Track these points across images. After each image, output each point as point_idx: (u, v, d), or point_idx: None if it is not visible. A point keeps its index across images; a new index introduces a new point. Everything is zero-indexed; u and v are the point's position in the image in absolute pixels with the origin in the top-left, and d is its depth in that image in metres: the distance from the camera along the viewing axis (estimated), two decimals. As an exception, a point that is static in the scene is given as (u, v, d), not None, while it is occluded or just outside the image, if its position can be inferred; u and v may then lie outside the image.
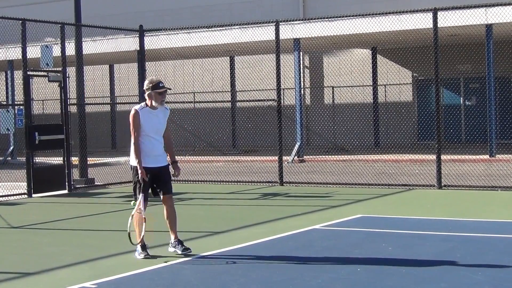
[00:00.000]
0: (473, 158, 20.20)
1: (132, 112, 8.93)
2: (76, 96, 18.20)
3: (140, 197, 8.86)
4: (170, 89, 9.27)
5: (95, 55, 24.46)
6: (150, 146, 8.92)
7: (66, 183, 16.50)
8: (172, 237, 9.06)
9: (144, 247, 8.84)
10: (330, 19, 22.11)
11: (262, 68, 28.49)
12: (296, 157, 23.09)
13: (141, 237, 8.75)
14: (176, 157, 9.30)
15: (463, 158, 20.41)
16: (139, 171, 8.81)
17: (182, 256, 8.84)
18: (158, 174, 8.99)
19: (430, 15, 16.38)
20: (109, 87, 31.46)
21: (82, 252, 9.34)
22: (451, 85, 27.37)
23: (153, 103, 9.00)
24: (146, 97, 9.04)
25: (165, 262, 8.54)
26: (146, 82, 9.11)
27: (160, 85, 9.03)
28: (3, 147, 27.41)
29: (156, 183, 9.04)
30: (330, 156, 23.38)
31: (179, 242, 9.01)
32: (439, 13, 15.86)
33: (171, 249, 9.03)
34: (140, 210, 8.85)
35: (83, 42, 18.52)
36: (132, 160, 8.98)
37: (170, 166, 9.16)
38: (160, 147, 9.07)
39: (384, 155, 22.91)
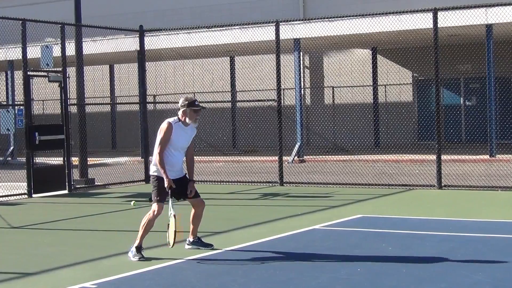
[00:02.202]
0: (473, 158, 20.20)
1: (166, 125, 8.99)
2: (76, 96, 18.21)
3: (171, 203, 8.99)
4: (204, 108, 9.34)
5: (95, 55, 24.46)
6: (173, 160, 9.01)
7: (66, 183, 16.50)
8: (192, 236, 9.29)
9: (139, 249, 8.85)
10: (330, 19, 22.11)
11: (262, 68, 28.49)
12: (296, 157, 23.08)
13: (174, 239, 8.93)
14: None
15: (463, 158, 20.41)
16: (166, 181, 8.85)
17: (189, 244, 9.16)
18: (181, 183, 9.08)
19: (430, 15, 16.39)
20: (109, 87, 31.45)
21: (83, 252, 9.34)
22: (451, 85, 27.37)
23: (187, 120, 9.05)
24: (181, 113, 9.06)
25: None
26: (182, 99, 9.13)
27: (196, 103, 9.07)
28: (3, 147, 27.40)
29: (183, 192, 9.13)
30: (330, 156, 23.37)
31: (200, 240, 9.34)
32: (439, 13, 15.86)
33: (188, 247, 9.24)
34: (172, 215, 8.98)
35: (83, 42, 18.53)
36: (154, 170, 9.05)
37: (190, 184, 9.13)
38: (181, 163, 9.20)
39: (384, 155, 22.91)
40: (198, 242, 9.27)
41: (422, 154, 21.89)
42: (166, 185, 8.85)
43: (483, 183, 15.47)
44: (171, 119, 9.07)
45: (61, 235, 10.99)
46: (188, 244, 9.27)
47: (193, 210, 9.24)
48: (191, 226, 9.25)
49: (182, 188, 9.10)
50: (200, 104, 9.12)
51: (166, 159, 8.94)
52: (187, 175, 9.22)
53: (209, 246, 9.27)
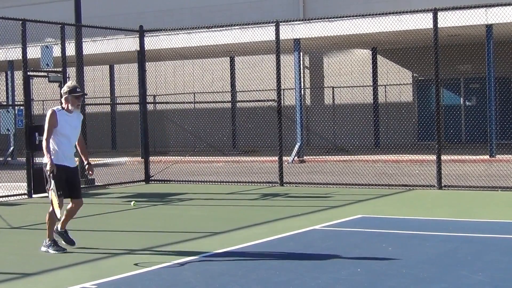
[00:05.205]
0: (473, 159, 20.19)
1: (50, 112, 9.38)
2: (76, 96, 18.16)
3: (51, 194, 9.24)
4: (86, 94, 9.75)
5: (95, 56, 24.46)
6: (64, 148, 9.40)
7: (66, 184, 16.46)
8: (59, 226, 9.55)
9: (55, 242, 9.38)
10: (330, 19, 22.11)
11: (262, 68, 28.49)
12: (296, 157, 23.09)
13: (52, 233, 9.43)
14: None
15: (463, 158, 20.41)
16: (49, 165, 9.21)
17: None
18: (71, 175, 9.45)
19: (430, 15, 16.39)
20: (109, 87, 31.45)
21: (83, 252, 9.33)
22: (451, 85, 27.38)
23: (69, 107, 9.45)
24: (63, 101, 9.46)
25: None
26: (64, 87, 9.55)
27: (77, 90, 9.47)
28: (3, 147, 27.41)
29: (68, 185, 9.47)
30: (330, 157, 23.38)
31: (66, 233, 9.59)
32: (439, 13, 15.86)
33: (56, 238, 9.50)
34: (54, 206, 9.25)
35: (83, 43, 18.51)
36: (45, 158, 9.40)
37: (86, 167, 9.58)
38: (72, 149, 9.55)
39: (384, 156, 22.91)
40: (64, 235, 9.52)
41: (422, 154, 21.89)
42: (48, 168, 9.21)
43: (483, 183, 15.46)
44: (55, 107, 9.47)
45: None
46: (54, 231, 9.52)
47: (71, 205, 9.59)
48: (63, 217, 9.54)
49: (72, 179, 9.46)
50: (81, 90, 9.52)
51: (60, 145, 9.34)
52: (77, 167, 9.65)
53: (71, 243, 9.47)
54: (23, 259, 9.16)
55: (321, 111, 28.63)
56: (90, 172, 9.56)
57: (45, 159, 9.33)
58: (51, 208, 9.29)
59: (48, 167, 9.24)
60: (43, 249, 9.40)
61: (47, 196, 9.39)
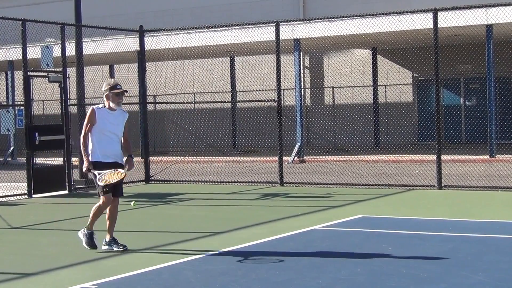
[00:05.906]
0: (473, 159, 20.20)
1: (89, 110, 9.34)
2: (76, 96, 18.20)
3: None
4: (126, 91, 9.58)
5: (95, 56, 24.46)
6: (106, 145, 9.26)
7: (66, 184, 16.49)
8: (108, 236, 9.39)
9: (91, 236, 9.36)
10: (330, 19, 22.11)
11: (262, 68, 28.49)
12: (296, 157, 23.08)
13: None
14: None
15: (463, 158, 20.41)
16: (85, 164, 9.21)
17: (120, 251, 9.25)
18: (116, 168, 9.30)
19: (430, 15, 16.39)
20: (109, 87, 31.40)
21: (83, 252, 9.33)
22: (451, 85, 27.37)
23: (111, 104, 9.34)
24: (105, 99, 9.36)
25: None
26: (104, 85, 9.43)
27: (117, 86, 9.36)
28: (3, 147, 27.41)
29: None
30: (330, 157, 23.38)
31: (114, 241, 9.39)
32: (439, 13, 15.86)
33: (104, 247, 9.36)
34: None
35: (83, 43, 18.51)
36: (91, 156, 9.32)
37: (126, 159, 9.43)
38: (117, 147, 9.40)
39: (384, 156, 22.91)
40: (113, 243, 9.37)
41: (422, 154, 21.89)
42: (84, 165, 9.22)
43: (483, 183, 15.46)
44: (95, 106, 9.41)
45: (61, 235, 10.98)
46: (104, 245, 9.39)
47: (108, 207, 9.43)
48: (108, 224, 9.43)
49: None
50: (121, 87, 9.38)
51: (101, 144, 9.23)
52: (124, 165, 9.42)
53: (122, 246, 9.31)
54: (23, 259, 9.16)
55: (321, 111, 28.63)
56: (129, 166, 9.37)
57: (92, 158, 9.28)
58: (101, 200, 9.28)
59: (84, 165, 9.24)
60: (80, 235, 9.39)
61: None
